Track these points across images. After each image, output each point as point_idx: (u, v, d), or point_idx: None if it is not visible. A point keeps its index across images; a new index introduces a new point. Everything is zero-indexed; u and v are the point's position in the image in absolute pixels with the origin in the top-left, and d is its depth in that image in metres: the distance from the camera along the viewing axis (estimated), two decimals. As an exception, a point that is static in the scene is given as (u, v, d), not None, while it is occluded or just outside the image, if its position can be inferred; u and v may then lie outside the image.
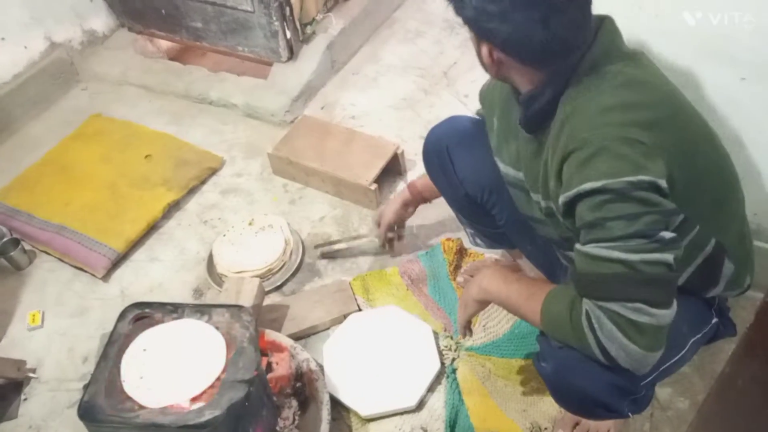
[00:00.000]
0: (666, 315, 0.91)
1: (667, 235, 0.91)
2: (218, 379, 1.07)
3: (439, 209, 1.85)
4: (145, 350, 1.12)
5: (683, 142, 0.98)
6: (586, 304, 0.94)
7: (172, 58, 2.69)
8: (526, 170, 1.16)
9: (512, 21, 0.93)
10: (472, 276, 1.66)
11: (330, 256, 1.82)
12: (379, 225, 1.70)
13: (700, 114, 1.05)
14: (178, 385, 1.07)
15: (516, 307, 1.12)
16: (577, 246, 0.97)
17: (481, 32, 1.00)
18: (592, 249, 0.93)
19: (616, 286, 0.91)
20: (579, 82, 0.99)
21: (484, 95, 1.32)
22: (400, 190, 1.72)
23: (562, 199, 0.98)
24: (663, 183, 0.91)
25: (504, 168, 1.24)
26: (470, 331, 1.33)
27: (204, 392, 1.06)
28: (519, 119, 1.10)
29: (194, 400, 1.05)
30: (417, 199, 1.60)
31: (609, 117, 0.94)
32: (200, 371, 1.09)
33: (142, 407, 1.04)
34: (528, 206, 1.21)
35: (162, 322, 1.18)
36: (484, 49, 1.02)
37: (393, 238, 1.74)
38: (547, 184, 1.06)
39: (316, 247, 1.82)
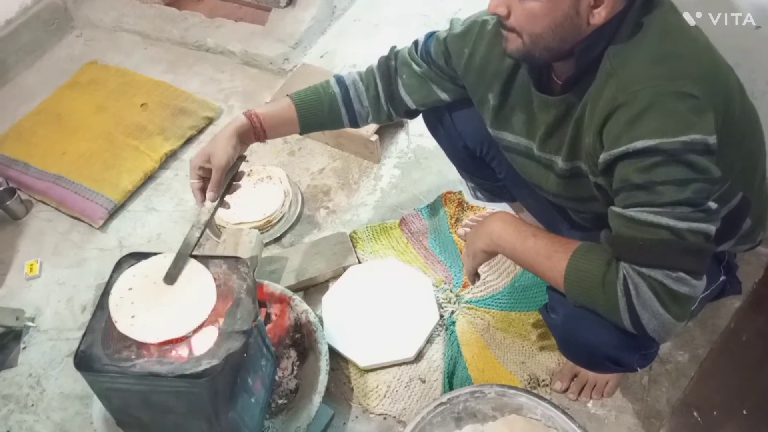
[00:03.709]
0: (701, 286, 0.90)
1: (713, 205, 0.89)
2: (214, 314, 1.07)
3: (441, 163, 1.82)
4: (130, 289, 1.11)
5: (726, 93, 0.94)
6: (624, 269, 0.91)
7: (167, 4, 2.61)
8: (543, 136, 1.10)
9: None
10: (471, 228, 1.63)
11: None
12: (199, 171, 1.21)
13: (728, 63, 1.01)
14: (172, 320, 1.06)
15: (531, 263, 1.05)
16: (617, 209, 0.93)
17: None
18: (636, 213, 0.89)
19: (661, 253, 0.88)
20: (630, 30, 0.93)
21: (467, 60, 1.20)
22: (234, 120, 1.24)
23: (604, 156, 0.93)
24: (713, 139, 0.87)
25: (514, 138, 1.18)
26: (478, 276, 1.27)
27: (201, 325, 1.06)
28: (542, 84, 1.07)
29: (194, 331, 1.05)
30: (257, 130, 1.25)
31: (659, 69, 0.90)
32: (192, 303, 1.08)
33: (139, 356, 1.03)
34: (537, 173, 1.17)
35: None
36: None
37: (228, 187, 1.23)
38: (577, 143, 1.02)
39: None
